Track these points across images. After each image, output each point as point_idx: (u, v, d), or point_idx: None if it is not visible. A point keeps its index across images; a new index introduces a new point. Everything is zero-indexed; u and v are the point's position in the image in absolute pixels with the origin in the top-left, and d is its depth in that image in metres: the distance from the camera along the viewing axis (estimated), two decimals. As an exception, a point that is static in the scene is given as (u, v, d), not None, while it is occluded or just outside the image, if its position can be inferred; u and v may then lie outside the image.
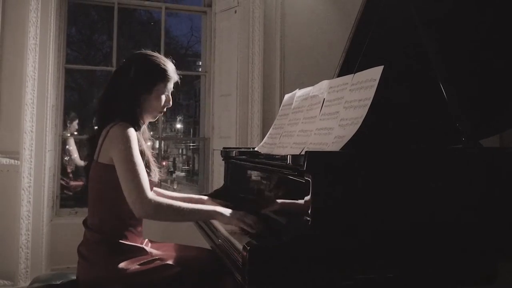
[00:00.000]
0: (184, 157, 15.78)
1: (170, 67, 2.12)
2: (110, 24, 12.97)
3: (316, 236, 1.51)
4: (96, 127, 2.08)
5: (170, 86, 2.14)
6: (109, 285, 1.88)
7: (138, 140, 1.98)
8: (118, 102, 2.02)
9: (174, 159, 14.62)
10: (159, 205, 1.85)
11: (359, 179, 1.59)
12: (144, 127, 2.14)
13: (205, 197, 2.46)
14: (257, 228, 1.88)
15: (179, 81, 2.19)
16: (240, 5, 4.12)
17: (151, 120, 2.17)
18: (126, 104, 2.01)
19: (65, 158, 5.30)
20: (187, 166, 14.81)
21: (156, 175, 2.07)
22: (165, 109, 2.16)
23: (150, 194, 1.86)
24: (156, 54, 2.16)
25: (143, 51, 2.16)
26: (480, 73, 2.16)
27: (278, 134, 2.42)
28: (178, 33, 17.91)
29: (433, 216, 1.64)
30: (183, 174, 13.80)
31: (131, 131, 1.93)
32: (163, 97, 2.11)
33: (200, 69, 4.65)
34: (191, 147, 14.89)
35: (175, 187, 10.48)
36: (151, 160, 2.06)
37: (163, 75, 2.09)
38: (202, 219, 2.21)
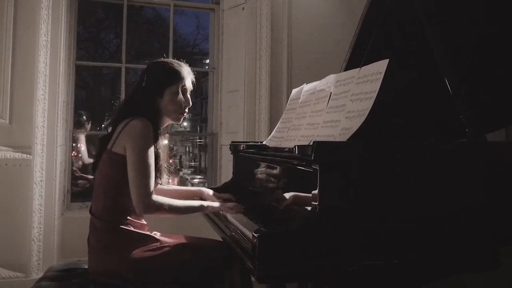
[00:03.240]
0: (191, 154, 15.83)
1: (179, 68, 2.18)
2: (117, 22, 13.06)
3: (324, 223, 1.56)
4: (113, 121, 2.15)
5: (186, 86, 2.19)
6: (119, 272, 1.94)
7: (157, 142, 2.06)
8: (135, 106, 2.10)
9: (181, 156, 14.67)
10: (161, 205, 1.97)
11: (365, 168, 1.63)
12: (162, 130, 2.20)
13: (208, 190, 2.54)
14: (237, 210, 2.18)
15: (194, 80, 2.25)
16: (248, 2, 4.16)
17: (174, 122, 2.24)
18: (142, 107, 2.08)
19: (75, 154, 5.35)
20: (194, 162, 14.86)
21: (162, 181, 2.17)
22: (186, 110, 2.22)
23: (154, 196, 1.96)
24: (167, 59, 2.23)
25: (160, 59, 2.24)
26: (484, 67, 2.19)
27: (285, 128, 2.46)
28: (184, 31, 17.98)
29: (438, 205, 1.68)
30: (189, 171, 13.85)
31: (150, 128, 2.00)
32: (179, 99, 2.16)
33: (207, 67, 4.69)
34: (197, 144, 14.94)
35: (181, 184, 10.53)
36: (164, 167, 2.14)
37: (172, 77, 2.15)
38: (194, 212, 2.30)
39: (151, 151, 1.98)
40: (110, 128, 2.15)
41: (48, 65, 3.57)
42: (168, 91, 2.13)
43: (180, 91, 2.16)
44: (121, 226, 2.00)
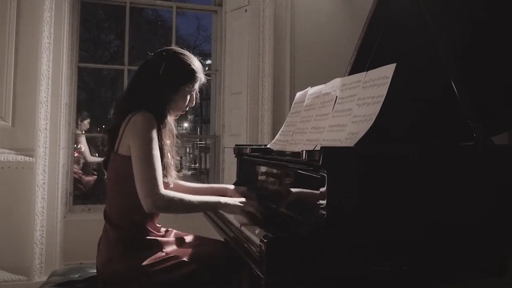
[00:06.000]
0: (191, 155, 15.83)
1: (198, 67, 2.13)
2: (117, 23, 13.08)
3: (332, 228, 1.55)
4: (116, 118, 2.06)
5: (197, 86, 2.15)
6: (126, 282, 1.91)
7: (162, 136, 1.98)
8: (144, 96, 2.01)
9: (181, 157, 14.69)
10: (171, 200, 1.86)
11: (374, 174, 1.62)
12: (171, 123, 2.12)
13: (231, 186, 2.43)
14: (257, 213, 1.98)
15: (205, 81, 2.21)
16: (251, 4, 4.16)
17: (173, 117, 2.17)
18: (152, 99, 2.00)
19: (75, 155, 5.36)
20: (194, 164, 14.86)
21: (171, 179, 2.05)
22: (187, 108, 2.19)
23: (163, 189, 1.86)
24: (186, 52, 2.16)
25: (174, 48, 2.17)
26: (492, 69, 2.19)
27: (290, 132, 2.45)
28: (184, 32, 17.97)
29: (446, 210, 1.67)
30: (190, 172, 13.84)
31: (153, 121, 1.93)
32: (189, 97, 2.14)
33: (207, 68, 4.69)
34: (198, 145, 14.95)
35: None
36: (170, 163, 2.04)
37: (192, 76, 2.10)
38: (210, 210, 2.25)
39: (155, 143, 1.90)
40: (114, 118, 2.07)
41: (50, 67, 3.57)
42: (184, 87, 2.08)
43: (193, 90, 2.13)
44: (134, 234, 1.97)
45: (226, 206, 2.03)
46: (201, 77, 2.14)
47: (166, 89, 2.05)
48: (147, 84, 2.05)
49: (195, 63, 2.13)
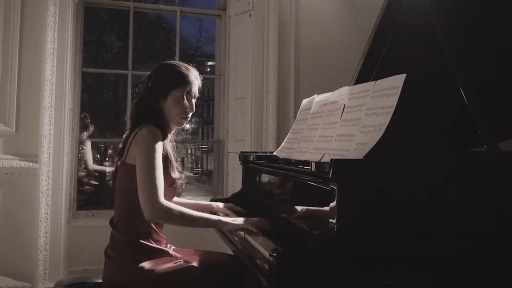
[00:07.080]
0: (193, 157, 15.83)
1: (186, 72, 2.14)
2: (119, 25, 13.06)
3: (342, 242, 1.53)
4: (127, 131, 2.15)
5: (192, 91, 2.15)
6: (135, 286, 1.93)
7: (164, 145, 2.04)
8: (145, 111, 2.09)
9: (183, 159, 14.68)
10: (169, 209, 1.90)
11: (386, 186, 1.60)
12: (170, 135, 2.17)
13: (218, 203, 2.49)
14: (258, 231, 1.96)
15: (200, 86, 2.22)
16: (255, 9, 4.14)
17: (177, 126, 2.20)
18: (149, 111, 2.07)
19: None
20: (196, 166, 14.86)
21: (177, 174, 2.12)
22: (189, 115, 2.17)
23: (162, 198, 1.91)
24: (175, 62, 2.21)
25: (164, 62, 2.23)
26: (501, 76, 2.17)
27: (296, 139, 2.43)
28: (186, 34, 17.95)
29: (460, 222, 1.65)
30: (191, 174, 13.84)
31: (157, 135, 1.98)
32: (182, 103, 2.11)
33: (208, 69, 4.68)
34: (200, 147, 14.95)
35: (183, 187, 10.51)
36: (175, 165, 2.11)
37: (178, 80, 2.11)
38: (209, 227, 2.24)
39: (159, 155, 1.95)
40: (127, 132, 2.15)
41: (54, 72, 3.56)
42: (172, 94, 2.09)
43: (184, 96, 2.12)
44: (140, 241, 1.99)
45: (226, 225, 2.04)
46: (191, 81, 2.14)
47: (155, 98, 2.10)
48: (144, 99, 2.14)
49: (184, 69, 2.15)
